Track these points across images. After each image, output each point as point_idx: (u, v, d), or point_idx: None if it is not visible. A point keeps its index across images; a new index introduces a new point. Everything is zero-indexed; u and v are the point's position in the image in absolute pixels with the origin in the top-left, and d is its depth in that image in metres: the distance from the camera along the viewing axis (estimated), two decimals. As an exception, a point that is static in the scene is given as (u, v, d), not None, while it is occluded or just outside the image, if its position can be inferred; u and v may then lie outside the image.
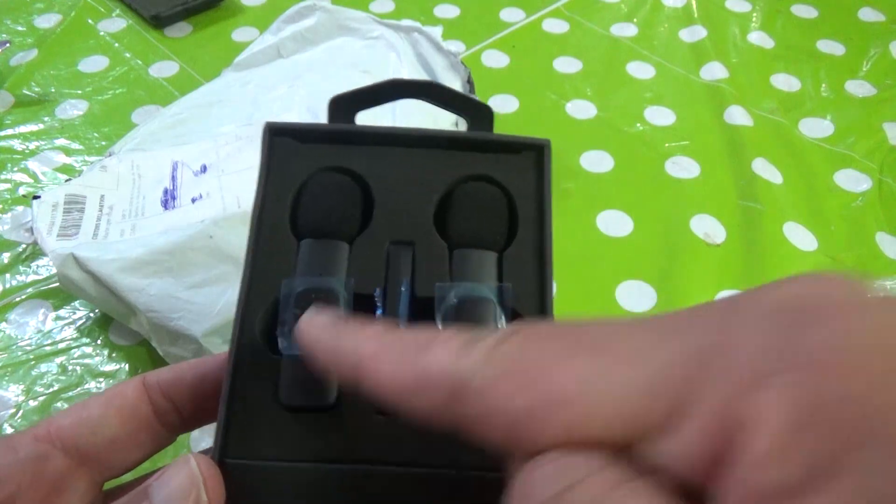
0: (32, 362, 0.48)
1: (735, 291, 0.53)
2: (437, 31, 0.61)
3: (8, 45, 0.72)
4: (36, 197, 0.51)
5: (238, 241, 0.45)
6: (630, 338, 0.15)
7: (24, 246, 0.55)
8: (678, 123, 0.68)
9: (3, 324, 0.50)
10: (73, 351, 0.49)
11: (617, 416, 0.14)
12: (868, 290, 0.13)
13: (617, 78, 0.73)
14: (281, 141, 0.25)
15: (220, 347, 0.44)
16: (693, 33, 0.79)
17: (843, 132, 0.67)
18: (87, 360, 0.49)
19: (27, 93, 0.68)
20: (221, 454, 0.21)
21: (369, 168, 0.25)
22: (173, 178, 0.52)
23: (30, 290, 0.52)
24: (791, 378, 0.12)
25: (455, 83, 0.58)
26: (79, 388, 0.47)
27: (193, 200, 0.50)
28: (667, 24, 0.80)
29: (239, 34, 0.76)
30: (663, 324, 0.15)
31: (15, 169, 0.61)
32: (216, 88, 0.61)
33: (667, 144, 0.65)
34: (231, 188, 0.50)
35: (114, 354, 0.49)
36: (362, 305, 0.23)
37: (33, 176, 0.61)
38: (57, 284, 0.51)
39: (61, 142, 0.63)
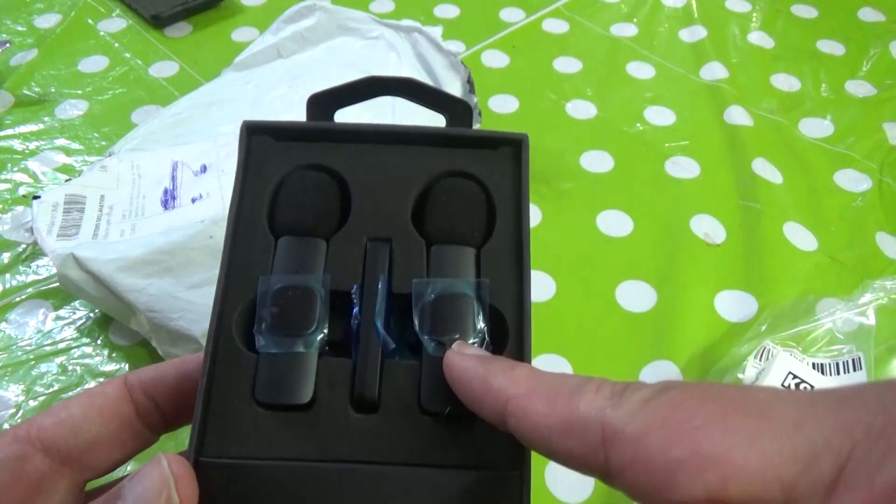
0: (32, 362, 0.48)
1: (735, 292, 0.53)
2: (437, 31, 0.61)
3: (8, 45, 0.72)
4: (36, 197, 0.51)
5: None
6: (788, 407, 0.15)
7: (24, 246, 0.55)
8: (678, 123, 0.68)
9: (3, 324, 0.50)
10: (73, 351, 0.49)
11: (766, 481, 0.14)
12: None
13: (617, 78, 0.73)
14: (258, 139, 0.26)
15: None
16: (693, 33, 0.79)
17: (843, 132, 0.67)
18: (87, 360, 0.49)
19: (27, 93, 0.68)
20: (197, 452, 0.21)
21: (346, 165, 0.25)
22: (173, 178, 0.52)
23: (30, 290, 0.52)
24: None
25: (455, 83, 0.58)
26: (79, 388, 0.47)
27: (193, 200, 0.50)
28: (667, 24, 0.80)
29: (239, 34, 0.76)
30: (822, 397, 0.15)
31: (15, 169, 0.61)
32: (216, 88, 0.61)
33: (667, 144, 0.65)
34: (231, 188, 0.50)
35: (114, 354, 0.49)
36: (340, 302, 0.23)
37: (33, 176, 0.61)
38: (57, 284, 0.51)
39: (61, 142, 0.63)
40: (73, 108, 0.67)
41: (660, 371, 0.49)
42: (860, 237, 0.58)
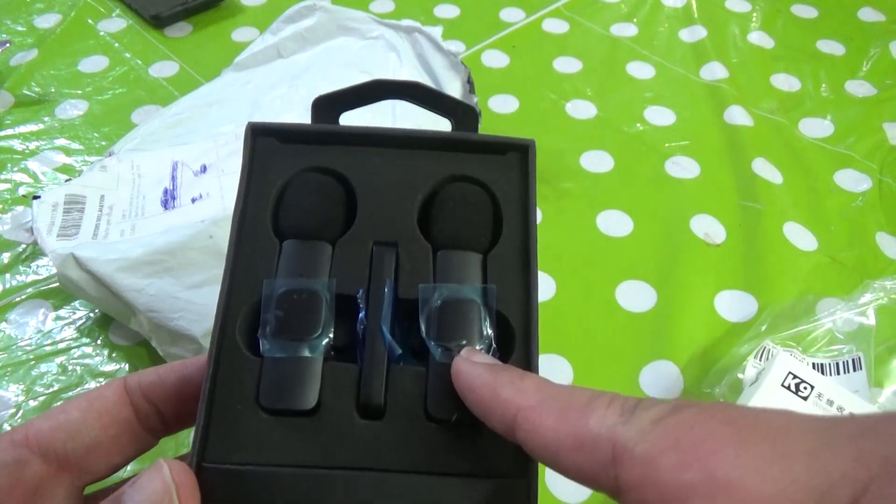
0: (32, 362, 0.48)
1: (735, 292, 0.53)
2: (437, 31, 0.61)
3: (8, 45, 0.72)
4: (36, 197, 0.51)
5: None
6: (804, 434, 0.15)
7: (24, 246, 0.55)
8: (678, 123, 0.68)
9: (3, 324, 0.50)
10: (73, 351, 0.49)
11: None
12: None
13: (617, 78, 0.73)
14: (263, 141, 0.25)
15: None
16: (693, 33, 0.79)
17: (843, 132, 0.67)
18: (87, 360, 0.49)
19: (27, 93, 0.68)
20: (199, 458, 0.21)
21: (352, 168, 0.25)
22: (173, 178, 0.52)
23: (30, 290, 0.52)
24: None
25: (455, 83, 0.58)
26: (79, 388, 0.47)
27: (193, 200, 0.50)
28: (667, 24, 0.80)
29: (239, 34, 0.76)
30: (840, 425, 0.15)
31: (15, 169, 0.61)
32: (216, 88, 0.61)
33: (667, 144, 0.65)
34: (231, 188, 0.50)
35: (114, 354, 0.49)
36: (345, 307, 0.23)
37: (33, 176, 0.61)
38: (57, 284, 0.51)
39: (61, 142, 0.63)
40: (73, 108, 0.67)
41: (660, 371, 0.49)
42: (860, 237, 0.58)
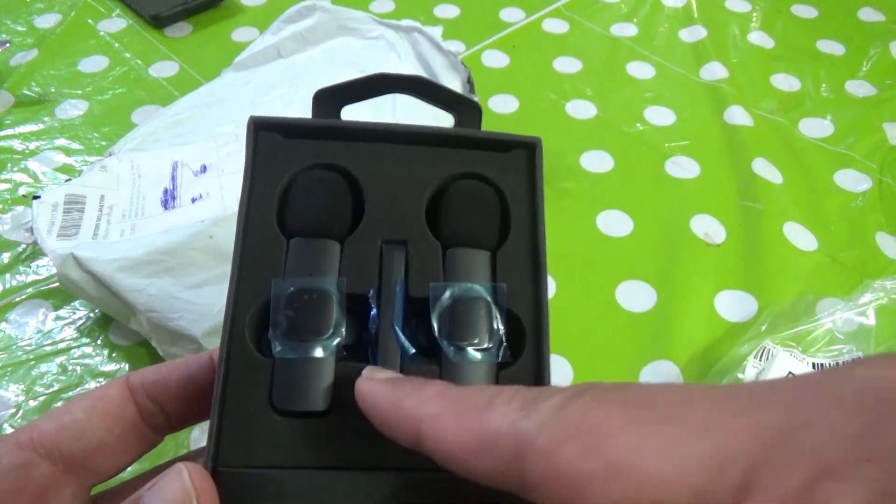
0: (32, 362, 0.48)
1: (735, 292, 0.53)
2: (437, 31, 0.61)
3: (8, 45, 0.72)
4: (36, 197, 0.51)
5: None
6: (697, 409, 0.14)
7: (24, 246, 0.55)
8: (678, 123, 0.68)
9: (3, 324, 0.50)
10: (73, 351, 0.49)
11: (677, 489, 0.14)
12: None
13: (617, 78, 0.73)
14: (266, 136, 0.25)
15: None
16: (693, 33, 0.79)
17: (843, 132, 0.67)
18: (87, 360, 0.49)
19: (27, 93, 0.68)
20: (214, 462, 0.21)
21: (358, 165, 0.25)
22: (173, 178, 0.52)
23: (30, 290, 0.52)
24: (870, 471, 0.12)
25: (455, 83, 0.58)
26: (79, 388, 0.47)
27: (193, 200, 0.50)
28: (667, 24, 0.80)
29: (239, 34, 0.76)
30: (733, 397, 0.14)
31: (15, 169, 0.61)
32: (216, 88, 0.61)
33: (667, 144, 0.65)
34: (231, 188, 0.50)
35: (114, 354, 0.49)
36: (356, 306, 0.23)
37: (33, 176, 0.61)
38: (57, 284, 0.51)
39: (61, 142, 0.63)
40: (73, 108, 0.67)
41: (660, 371, 0.49)
42: (860, 237, 0.58)
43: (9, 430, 0.45)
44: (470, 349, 0.22)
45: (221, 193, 0.50)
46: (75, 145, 0.63)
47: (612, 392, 0.16)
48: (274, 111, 0.56)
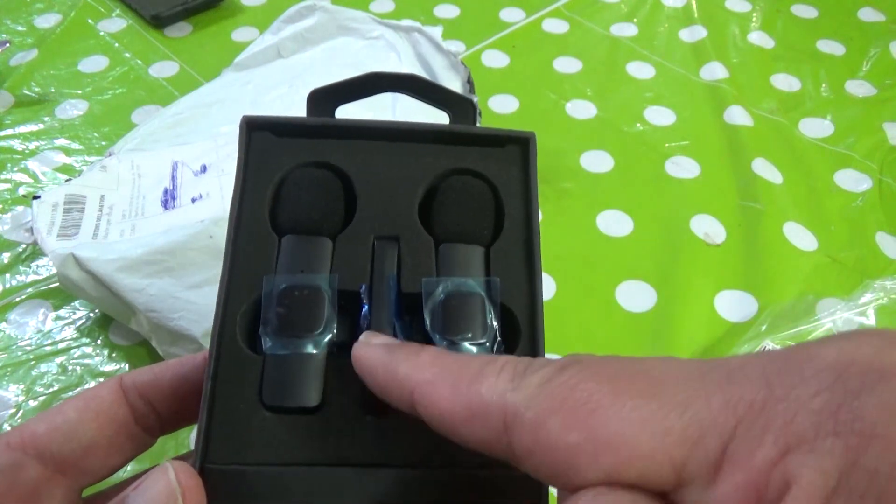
0: (32, 362, 0.48)
1: (735, 292, 0.53)
2: (437, 31, 0.61)
3: (8, 45, 0.72)
4: (36, 197, 0.51)
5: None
6: (677, 383, 0.15)
7: (24, 246, 0.55)
8: (678, 123, 0.68)
9: (3, 324, 0.50)
10: (73, 351, 0.49)
11: (658, 462, 0.14)
12: None
13: (617, 78, 0.73)
14: (258, 135, 0.25)
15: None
16: (693, 33, 0.79)
17: (843, 132, 0.67)
18: (87, 360, 0.49)
19: (27, 93, 0.68)
20: (202, 459, 0.20)
21: (351, 162, 0.25)
22: (173, 178, 0.52)
23: (30, 290, 0.52)
24: (836, 444, 0.12)
25: (455, 83, 0.58)
26: (79, 388, 0.47)
27: (193, 200, 0.50)
28: (667, 24, 0.80)
29: (239, 34, 0.76)
30: (711, 370, 0.15)
31: (15, 169, 0.61)
32: (216, 88, 0.61)
33: (667, 144, 0.65)
34: (231, 188, 0.50)
35: (114, 354, 0.49)
36: (348, 302, 0.23)
37: (33, 176, 0.61)
38: (57, 284, 0.51)
39: (61, 142, 0.63)
40: (73, 108, 0.67)
41: (660, 371, 0.49)
42: (860, 237, 0.58)
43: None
44: (463, 343, 0.22)
45: (221, 193, 0.50)
46: (75, 145, 0.63)
47: (598, 365, 0.16)
48: (274, 111, 0.56)
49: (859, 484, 0.12)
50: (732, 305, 0.53)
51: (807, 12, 0.82)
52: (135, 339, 0.50)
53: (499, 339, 0.23)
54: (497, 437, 0.16)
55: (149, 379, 0.23)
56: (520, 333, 0.23)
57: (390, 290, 0.23)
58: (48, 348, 0.49)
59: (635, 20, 0.80)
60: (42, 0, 0.79)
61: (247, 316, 0.23)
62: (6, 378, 0.47)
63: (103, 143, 0.63)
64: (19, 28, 0.75)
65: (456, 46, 0.75)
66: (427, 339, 0.22)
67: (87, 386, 0.47)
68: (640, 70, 0.74)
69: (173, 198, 0.51)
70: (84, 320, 0.51)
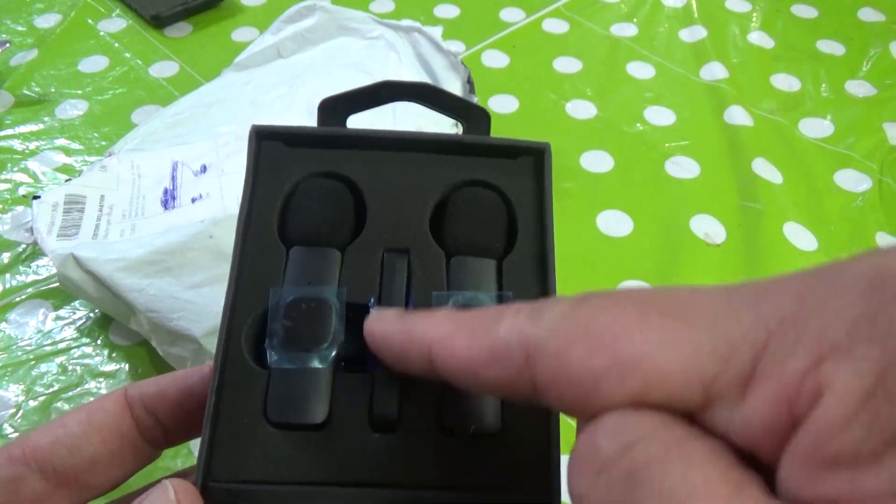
0: (32, 362, 0.48)
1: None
2: (437, 31, 0.61)
3: (8, 45, 0.72)
4: (36, 197, 0.51)
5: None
6: (704, 304, 0.15)
7: (24, 246, 0.55)
8: (678, 123, 0.68)
9: (3, 324, 0.50)
10: (73, 351, 0.49)
11: (686, 381, 0.14)
12: None
13: (617, 78, 0.73)
14: (269, 145, 0.24)
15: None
16: (693, 33, 0.79)
17: (843, 132, 0.67)
18: (87, 360, 0.49)
19: (27, 93, 0.68)
20: (205, 477, 0.20)
21: (361, 173, 0.24)
22: (173, 178, 0.52)
23: (30, 290, 0.52)
24: (872, 349, 0.12)
25: (455, 83, 0.58)
26: (79, 388, 0.47)
27: (193, 200, 0.50)
28: (667, 24, 0.80)
29: (239, 34, 0.76)
30: (740, 291, 0.14)
31: (15, 169, 0.61)
32: (216, 88, 0.61)
33: (667, 144, 0.65)
34: (231, 188, 0.50)
35: (114, 354, 0.49)
36: (356, 315, 0.22)
37: (33, 176, 0.61)
38: (57, 284, 0.51)
39: (61, 142, 0.63)
40: (73, 108, 0.67)
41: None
42: (860, 237, 0.58)
43: (9, 430, 0.45)
44: None
45: (221, 193, 0.50)
46: (75, 145, 0.63)
47: (621, 295, 0.16)
48: (274, 111, 0.56)
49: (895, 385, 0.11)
50: (732, 305, 0.53)
51: (807, 12, 0.82)
52: (135, 339, 0.50)
53: None
54: (518, 374, 0.16)
55: (154, 391, 0.22)
56: None
57: (400, 304, 0.23)
58: (48, 348, 0.49)
59: (635, 20, 0.80)
60: (42, 0, 0.79)
61: (253, 328, 0.22)
62: (6, 378, 0.47)
63: (103, 143, 0.63)
64: (19, 28, 0.75)
65: (456, 46, 0.75)
66: None
67: (87, 386, 0.47)
68: (640, 70, 0.74)
69: (173, 198, 0.51)
70: (84, 320, 0.51)
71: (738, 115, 0.68)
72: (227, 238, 0.45)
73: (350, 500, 0.20)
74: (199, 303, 0.44)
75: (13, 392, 0.47)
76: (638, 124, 0.67)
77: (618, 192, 0.61)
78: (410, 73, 0.58)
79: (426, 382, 0.21)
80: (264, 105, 0.57)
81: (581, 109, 0.69)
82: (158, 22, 0.76)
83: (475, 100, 0.58)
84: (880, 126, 0.68)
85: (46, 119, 0.65)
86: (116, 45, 0.74)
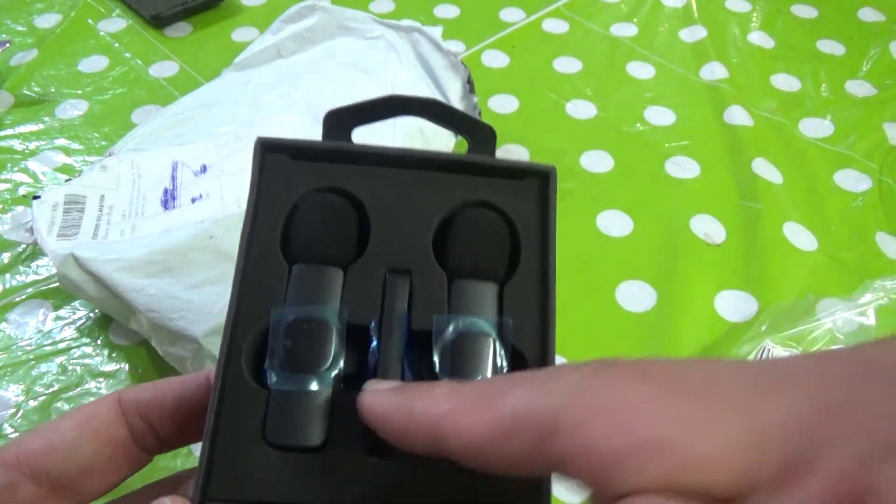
0: (32, 362, 0.48)
1: (735, 292, 0.53)
2: (437, 31, 0.61)
3: (8, 45, 0.72)
4: (36, 197, 0.51)
5: (238, 241, 0.45)
6: (733, 384, 0.14)
7: (24, 246, 0.55)
8: (678, 123, 0.68)
9: (3, 324, 0.50)
10: (73, 351, 0.49)
11: (721, 468, 0.13)
12: None
13: (617, 78, 0.73)
14: (273, 157, 0.24)
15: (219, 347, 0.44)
16: (693, 33, 0.79)
17: (843, 132, 0.67)
18: (87, 360, 0.49)
19: (27, 93, 0.68)
20: (202, 495, 0.20)
21: (366, 190, 0.24)
22: (173, 178, 0.52)
23: (30, 290, 0.52)
24: None
25: (455, 83, 0.58)
26: (79, 388, 0.47)
27: (193, 200, 0.50)
28: (667, 24, 0.80)
29: (239, 34, 0.76)
30: (768, 371, 0.14)
31: (15, 169, 0.61)
32: (216, 88, 0.61)
33: (667, 144, 0.65)
34: (231, 188, 0.50)
35: (114, 354, 0.49)
36: (357, 336, 0.23)
37: (33, 176, 0.61)
38: (57, 284, 0.51)
39: (61, 142, 0.63)
40: (73, 108, 0.67)
41: (660, 371, 0.49)
42: (860, 237, 0.58)
43: (9, 430, 0.45)
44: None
45: (221, 193, 0.50)
46: (75, 145, 0.63)
47: (636, 367, 0.15)
48: (274, 111, 0.56)
49: None
50: (732, 305, 0.53)
51: (807, 12, 0.82)
52: (135, 339, 0.50)
53: None
54: (533, 449, 0.15)
55: (150, 398, 0.22)
56: None
57: (401, 328, 0.22)
58: (48, 348, 0.49)
59: (635, 20, 0.80)
60: (42, 0, 0.79)
61: (253, 347, 0.22)
62: (6, 378, 0.47)
63: (103, 143, 0.63)
64: (19, 28, 0.75)
65: (456, 46, 0.75)
66: (433, 377, 0.22)
67: (87, 386, 0.47)
68: (640, 70, 0.74)
69: (173, 198, 0.51)
70: (84, 320, 0.51)
71: (738, 115, 0.68)
72: (227, 238, 0.45)
73: None
74: (199, 303, 0.44)
75: (13, 392, 0.47)
76: (638, 124, 0.67)
77: (618, 192, 0.61)
78: (410, 73, 0.58)
79: None
80: (264, 105, 0.57)
81: (581, 109, 0.69)
82: (158, 22, 0.76)
83: (475, 100, 0.58)
84: (880, 126, 0.68)
85: (46, 119, 0.65)
86: (116, 45, 0.74)
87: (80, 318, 0.51)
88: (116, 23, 0.77)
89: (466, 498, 0.21)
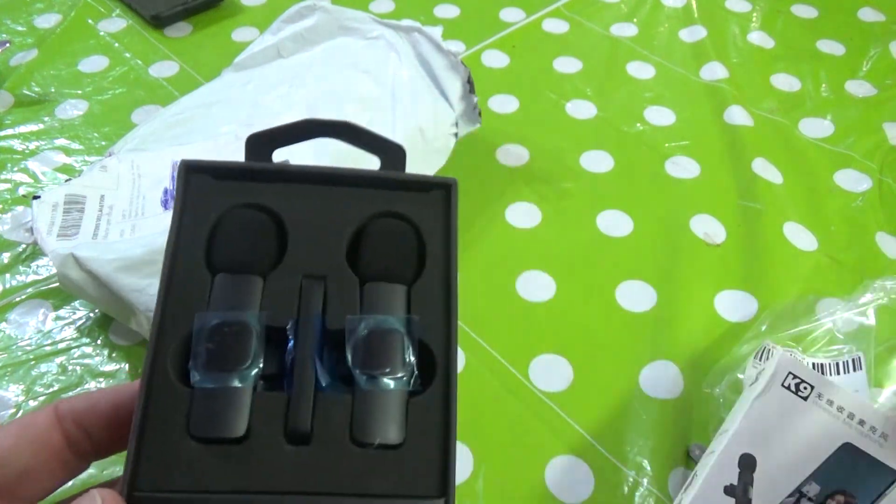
0: (32, 362, 0.48)
1: (735, 291, 0.53)
2: (437, 31, 0.61)
3: (8, 45, 0.72)
4: (36, 197, 0.51)
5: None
6: None
7: (24, 246, 0.55)
8: (678, 123, 0.68)
9: (3, 324, 0.50)
10: (73, 351, 0.49)
11: None
12: None
13: (617, 78, 0.73)
14: (197, 178, 0.26)
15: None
16: (693, 33, 0.79)
17: (843, 132, 0.67)
18: (87, 360, 0.49)
19: (27, 93, 0.68)
20: (130, 487, 0.21)
21: (284, 205, 0.26)
22: (173, 178, 0.52)
23: (30, 290, 0.52)
24: None
25: (455, 83, 0.58)
26: (79, 388, 0.47)
27: (193, 200, 0.50)
28: (667, 24, 0.80)
29: (239, 34, 0.76)
30: None
31: (15, 169, 0.61)
32: (216, 88, 0.61)
33: (667, 144, 0.65)
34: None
35: (114, 354, 0.49)
36: (276, 337, 0.24)
37: (33, 176, 0.61)
38: (57, 284, 0.51)
39: (61, 142, 0.63)
40: (73, 108, 0.67)
41: (660, 371, 0.49)
42: (860, 237, 0.58)
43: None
44: (382, 378, 0.23)
45: (221, 193, 0.50)
46: (75, 145, 0.63)
47: None
48: (274, 111, 0.56)
49: None
50: (732, 305, 0.53)
51: (807, 12, 0.83)
52: (135, 339, 0.50)
53: (416, 373, 0.24)
54: None
55: (85, 406, 0.23)
56: (436, 368, 0.24)
57: (315, 328, 0.24)
58: (48, 348, 0.49)
59: (635, 20, 0.80)
60: (42, 0, 0.79)
61: (178, 350, 0.23)
62: (6, 378, 0.47)
63: (103, 143, 0.63)
64: (19, 28, 0.75)
65: (456, 46, 0.75)
66: (349, 374, 0.23)
67: (87, 386, 0.47)
68: (640, 70, 0.74)
69: (173, 198, 0.51)
70: (84, 320, 0.51)
71: (738, 115, 0.68)
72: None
73: None
74: (199, 303, 0.44)
75: (13, 392, 0.47)
76: (638, 124, 0.67)
77: (618, 192, 0.61)
78: (410, 73, 0.58)
79: (338, 400, 0.23)
80: (264, 105, 0.57)
81: (581, 109, 0.69)
82: (158, 22, 0.76)
83: (475, 100, 0.58)
84: (880, 126, 0.68)
85: (46, 119, 0.66)
86: (116, 45, 0.74)
87: (80, 318, 0.51)
88: (116, 23, 0.77)
89: (377, 482, 0.22)
